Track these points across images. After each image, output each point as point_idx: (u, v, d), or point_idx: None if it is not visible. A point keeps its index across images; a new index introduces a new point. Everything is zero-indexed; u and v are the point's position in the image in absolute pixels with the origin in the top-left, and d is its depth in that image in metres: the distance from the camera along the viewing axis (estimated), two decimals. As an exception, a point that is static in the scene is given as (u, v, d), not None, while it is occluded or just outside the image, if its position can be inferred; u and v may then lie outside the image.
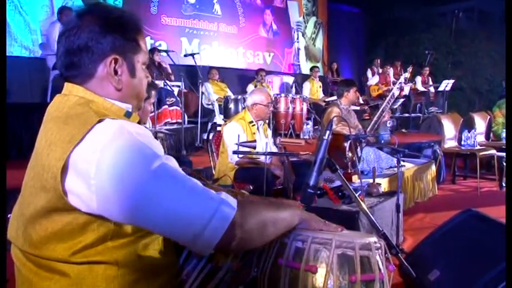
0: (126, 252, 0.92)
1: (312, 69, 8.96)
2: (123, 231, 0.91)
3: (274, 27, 9.93)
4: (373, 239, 1.07)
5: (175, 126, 5.62)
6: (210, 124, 6.28)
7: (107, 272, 0.91)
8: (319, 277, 1.00)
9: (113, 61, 0.98)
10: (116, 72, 0.99)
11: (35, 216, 0.90)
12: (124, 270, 0.92)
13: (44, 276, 0.91)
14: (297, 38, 10.44)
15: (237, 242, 0.94)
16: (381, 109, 4.12)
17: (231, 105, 6.06)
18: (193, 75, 6.65)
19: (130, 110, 1.03)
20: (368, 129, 4.09)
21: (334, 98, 4.77)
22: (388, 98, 4.16)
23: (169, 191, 0.88)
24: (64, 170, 0.86)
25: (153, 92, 2.37)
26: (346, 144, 3.38)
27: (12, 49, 5.85)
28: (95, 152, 0.85)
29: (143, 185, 0.86)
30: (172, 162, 0.93)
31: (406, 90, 8.12)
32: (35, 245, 0.91)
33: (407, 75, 9.39)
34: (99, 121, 0.89)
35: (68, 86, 1.00)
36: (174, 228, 0.90)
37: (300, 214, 1.10)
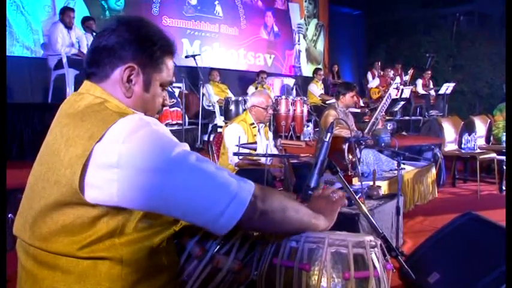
0: (131, 250, 0.93)
1: (315, 71, 8.94)
2: (130, 229, 0.93)
3: (275, 29, 9.94)
4: (368, 237, 1.08)
5: (175, 128, 5.61)
6: (210, 125, 6.28)
7: (111, 271, 0.91)
8: (313, 275, 1.01)
9: (129, 69, 1.01)
10: (129, 81, 1.02)
11: (45, 209, 0.91)
12: (128, 269, 0.93)
13: (46, 273, 0.92)
14: (298, 40, 10.45)
15: (258, 217, 0.96)
16: (378, 110, 4.13)
17: (232, 107, 6.06)
18: (194, 77, 6.65)
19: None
20: (366, 131, 4.10)
21: (333, 100, 4.79)
22: (384, 99, 4.17)
23: (190, 175, 0.91)
24: (85, 166, 0.87)
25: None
26: (345, 147, 3.37)
27: (14, 49, 5.85)
28: (117, 143, 0.87)
29: (164, 172, 0.89)
30: (188, 148, 0.96)
31: (407, 93, 8.10)
32: (44, 238, 0.92)
33: (407, 78, 9.43)
34: (121, 117, 0.91)
35: (86, 85, 1.03)
36: (196, 212, 0.92)
37: (328, 224, 1.14)
